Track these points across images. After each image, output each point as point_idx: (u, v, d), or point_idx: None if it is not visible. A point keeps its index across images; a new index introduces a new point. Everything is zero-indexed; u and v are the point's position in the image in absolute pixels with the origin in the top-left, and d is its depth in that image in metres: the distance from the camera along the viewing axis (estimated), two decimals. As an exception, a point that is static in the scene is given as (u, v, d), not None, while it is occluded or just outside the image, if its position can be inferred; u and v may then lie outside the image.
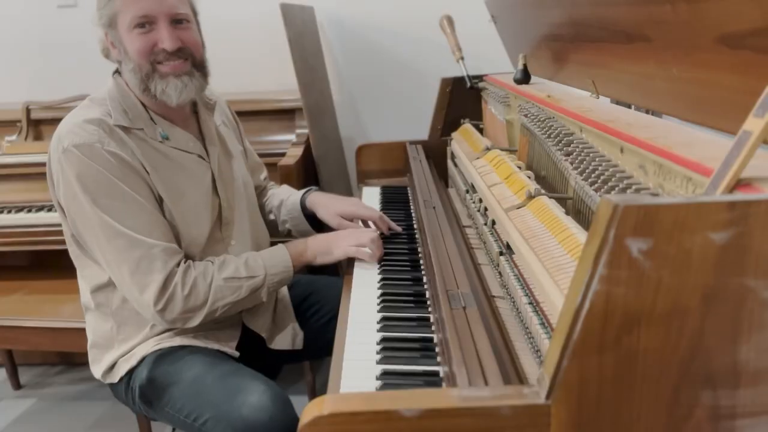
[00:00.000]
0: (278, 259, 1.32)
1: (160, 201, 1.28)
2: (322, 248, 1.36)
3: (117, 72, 1.33)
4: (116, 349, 1.35)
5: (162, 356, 1.31)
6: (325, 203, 1.54)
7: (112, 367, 1.36)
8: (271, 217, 1.63)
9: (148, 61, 1.26)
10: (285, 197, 1.61)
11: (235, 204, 1.43)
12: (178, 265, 1.25)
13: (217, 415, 1.19)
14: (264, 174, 1.68)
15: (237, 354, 1.38)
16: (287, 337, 1.49)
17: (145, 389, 1.30)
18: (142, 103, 1.31)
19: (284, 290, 1.56)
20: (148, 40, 1.25)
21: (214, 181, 1.38)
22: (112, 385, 1.39)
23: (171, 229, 1.29)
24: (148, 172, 1.26)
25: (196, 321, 1.27)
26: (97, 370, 1.39)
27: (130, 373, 1.33)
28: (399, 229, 1.52)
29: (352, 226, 1.48)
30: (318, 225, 1.57)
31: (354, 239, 1.35)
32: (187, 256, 1.32)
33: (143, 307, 1.25)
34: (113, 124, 1.25)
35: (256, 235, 1.49)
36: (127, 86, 1.31)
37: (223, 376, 1.25)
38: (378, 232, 1.42)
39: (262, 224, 1.55)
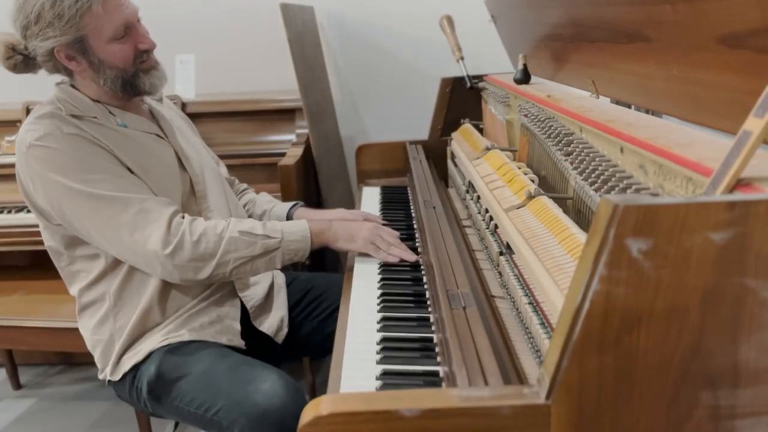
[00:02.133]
0: (297, 227, 1.32)
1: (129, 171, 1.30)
2: (345, 234, 1.35)
3: (59, 84, 1.35)
4: (119, 345, 1.35)
5: (170, 351, 1.31)
6: (314, 217, 1.55)
7: (116, 364, 1.36)
8: None
9: (133, 65, 1.31)
10: (268, 207, 1.62)
11: (206, 178, 1.44)
12: (180, 215, 1.27)
13: (229, 404, 1.19)
14: (225, 169, 1.69)
15: (243, 345, 1.38)
16: (273, 324, 1.49)
17: (153, 384, 1.29)
18: (93, 99, 1.33)
19: (281, 279, 1.57)
20: (130, 47, 1.30)
21: (179, 158, 1.40)
22: (114, 384, 1.39)
23: None
24: (112, 150, 1.28)
25: (206, 272, 1.26)
26: (102, 369, 1.39)
27: (135, 369, 1.33)
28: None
29: None
30: None
31: (377, 238, 1.34)
32: None
33: (150, 257, 1.25)
34: (66, 114, 1.27)
35: (235, 210, 1.51)
36: (74, 89, 1.33)
37: (234, 366, 1.26)
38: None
39: (238, 203, 1.57)
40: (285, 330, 1.52)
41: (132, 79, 1.31)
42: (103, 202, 1.23)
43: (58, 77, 1.35)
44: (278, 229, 1.30)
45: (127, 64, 1.30)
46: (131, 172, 1.29)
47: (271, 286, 1.52)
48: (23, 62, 1.30)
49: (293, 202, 1.62)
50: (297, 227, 1.32)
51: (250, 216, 1.63)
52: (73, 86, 1.34)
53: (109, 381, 1.40)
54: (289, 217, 1.58)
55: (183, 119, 1.60)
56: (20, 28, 1.25)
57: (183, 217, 1.27)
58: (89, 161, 1.24)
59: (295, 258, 1.33)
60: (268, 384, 1.19)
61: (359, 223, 1.40)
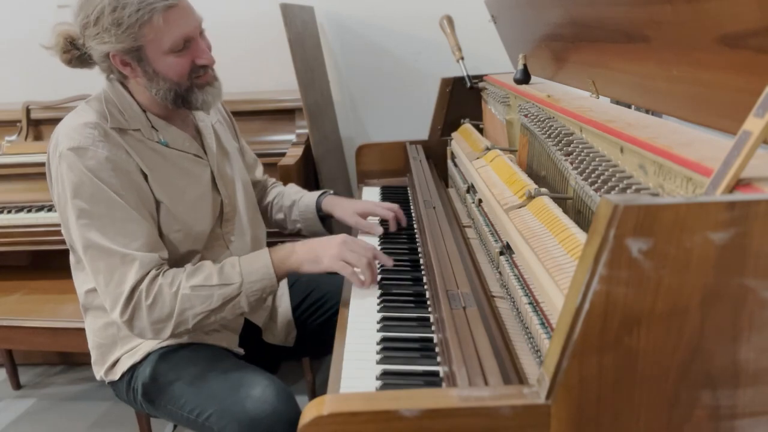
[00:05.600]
0: (259, 265, 1.24)
1: (157, 204, 1.28)
2: (309, 256, 1.25)
3: (111, 77, 1.31)
4: (120, 347, 1.35)
5: (166, 353, 1.32)
6: (341, 204, 1.57)
7: (114, 364, 1.36)
8: (280, 216, 1.64)
9: (188, 79, 1.26)
10: (297, 198, 1.62)
11: (237, 199, 1.44)
12: (151, 273, 1.21)
13: (220, 410, 1.19)
14: (261, 169, 1.69)
15: (242, 352, 1.38)
16: (281, 332, 1.50)
17: (148, 387, 1.30)
18: (139, 106, 1.30)
19: (283, 285, 1.57)
20: (187, 61, 1.25)
21: (213, 178, 1.38)
22: (112, 383, 1.39)
23: (179, 226, 1.29)
24: (145, 175, 1.26)
25: (166, 332, 1.21)
26: (99, 369, 1.39)
27: (133, 370, 1.34)
28: (405, 224, 1.55)
29: (367, 225, 1.51)
30: (329, 229, 1.59)
31: (347, 253, 1.23)
32: (192, 254, 1.32)
33: (115, 318, 1.22)
34: (110, 126, 1.24)
35: (255, 231, 1.49)
36: (124, 89, 1.29)
37: (226, 371, 1.25)
38: (374, 258, 1.27)
39: (260, 220, 1.55)
40: (294, 332, 1.53)
41: (185, 94, 1.27)
42: (90, 243, 1.20)
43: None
44: (237, 272, 1.22)
45: (182, 78, 1.25)
46: (158, 203, 1.26)
47: (273, 298, 1.52)
48: (79, 58, 1.27)
49: (321, 191, 1.62)
50: (258, 264, 1.24)
51: (278, 210, 1.63)
52: (123, 83, 1.30)
53: (108, 381, 1.40)
54: (318, 206, 1.58)
55: (224, 121, 1.56)
56: (80, 27, 1.22)
57: (149, 273, 1.20)
58: (104, 193, 1.20)
59: (264, 295, 1.26)
60: (258, 390, 1.18)
61: (326, 240, 1.28)
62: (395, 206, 1.56)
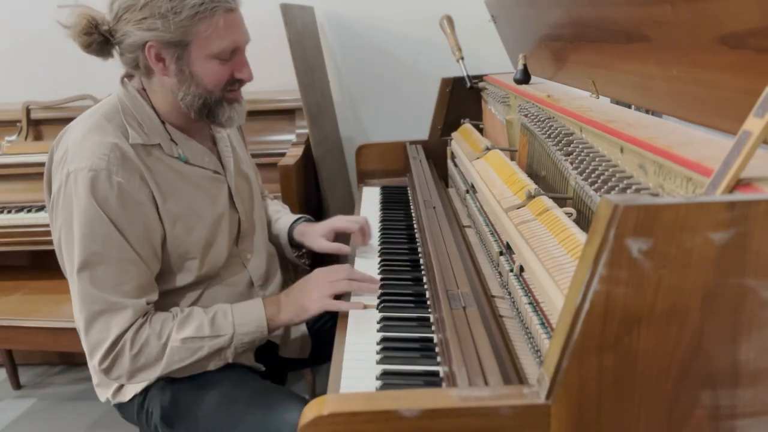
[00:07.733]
0: (252, 317, 1.19)
1: (169, 231, 1.20)
2: (295, 311, 1.22)
3: (126, 77, 1.24)
4: None
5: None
6: (310, 231, 1.47)
7: (122, 385, 1.26)
8: None
9: (221, 91, 1.21)
10: (273, 220, 1.55)
11: (253, 216, 1.37)
12: (138, 321, 1.15)
13: None
14: (260, 182, 1.62)
15: (262, 368, 1.31)
16: (296, 345, 1.44)
17: (167, 410, 1.22)
18: (158, 116, 1.22)
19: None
20: (227, 71, 1.20)
21: (231, 195, 1.32)
22: (120, 405, 1.30)
23: (196, 252, 1.23)
24: (157, 204, 1.17)
25: (144, 380, 1.18)
26: (104, 392, 1.30)
27: (146, 391, 1.24)
28: (369, 242, 1.47)
29: (335, 247, 1.41)
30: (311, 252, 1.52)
31: (328, 288, 1.20)
32: (208, 277, 1.27)
33: (93, 365, 1.16)
34: (130, 142, 1.16)
35: (270, 247, 1.45)
36: (140, 96, 1.21)
37: (254, 394, 1.19)
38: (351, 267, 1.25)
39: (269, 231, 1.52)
40: (309, 343, 1.46)
41: (214, 105, 1.20)
42: (80, 277, 1.13)
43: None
44: (229, 323, 1.18)
45: (217, 88, 1.19)
46: (164, 234, 1.19)
47: None
48: (100, 44, 1.16)
49: (297, 217, 1.53)
50: (252, 315, 1.20)
51: None
52: (140, 90, 1.21)
53: (114, 404, 1.31)
54: (290, 234, 1.49)
55: (238, 130, 1.50)
56: (119, 8, 1.12)
57: (135, 322, 1.14)
58: (105, 226, 1.11)
59: (252, 347, 1.23)
60: (295, 415, 1.09)
61: (303, 286, 1.24)
62: (362, 219, 1.47)
